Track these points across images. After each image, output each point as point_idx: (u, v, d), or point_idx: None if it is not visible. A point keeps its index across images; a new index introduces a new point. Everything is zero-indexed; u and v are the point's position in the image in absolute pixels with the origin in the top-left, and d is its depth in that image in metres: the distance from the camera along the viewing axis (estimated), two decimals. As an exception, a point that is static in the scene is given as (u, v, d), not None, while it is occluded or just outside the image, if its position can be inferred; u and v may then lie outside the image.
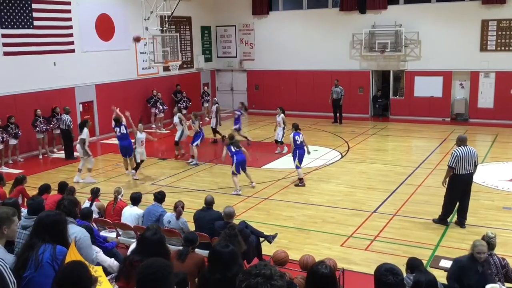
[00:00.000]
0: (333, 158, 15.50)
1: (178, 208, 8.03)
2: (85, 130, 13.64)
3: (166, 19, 18.33)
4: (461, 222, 9.68)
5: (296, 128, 12.96)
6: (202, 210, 8.32)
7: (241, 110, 17.72)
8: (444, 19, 20.79)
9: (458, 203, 9.75)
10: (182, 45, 22.08)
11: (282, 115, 15.81)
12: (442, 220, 9.79)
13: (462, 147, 9.47)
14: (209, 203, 8.30)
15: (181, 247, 6.23)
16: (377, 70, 22.72)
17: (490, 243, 6.20)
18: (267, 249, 8.04)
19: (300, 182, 12.76)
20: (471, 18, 20.30)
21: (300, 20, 23.43)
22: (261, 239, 8.11)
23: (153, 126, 21.05)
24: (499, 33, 20.07)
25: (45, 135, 16.49)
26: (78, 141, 13.84)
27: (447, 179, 9.70)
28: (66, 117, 16.31)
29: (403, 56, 21.68)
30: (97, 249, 6.45)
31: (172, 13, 18.47)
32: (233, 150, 12.36)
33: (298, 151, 12.74)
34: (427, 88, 21.43)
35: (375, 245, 9.02)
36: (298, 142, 12.76)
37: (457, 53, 20.65)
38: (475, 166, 9.51)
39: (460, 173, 9.42)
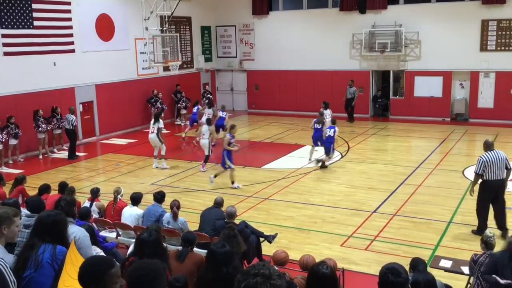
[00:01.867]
0: (333, 158, 15.48)
1: (174, 209, 8.03)
2: (161, 120, 14.64)
3: (166, 19, 18.35)
4: (500, 227, 9.13)
5: (333, 122, 14.51)
6: (209, 208, 8.44)
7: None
8: (444, 19, 20.79)
9: (492, 210, 9.25)
10: (182, 45, 22.08)
11: (328, 110, 16.76)
12: (481, 230, 8.79)
13: (489, 152, 9.04)
14: (217, 203, 8.43)
15: (180, 247, 6.24)
16: (377, 70, 22.71)
17: (488, 242, 6.18)
18: (267, 249, 8.04)
19: (323, 164, 14.24)
20: (471, 18, 20.30)
21: (300, 20, 23.42)
22: (261, 239, 8.12)
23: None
24: (499, 33, 20.07)
25: (46, 135, 16.50)
26: (154, 130, 14.47)
27: (475, 187, 9.21)
28: (71, 117, 16.32)
29: (403, 56, 21.68)
30: (99, 250, 6.46)
31: (172, 13, 18.49)
32: (315, 125, 14.85)
33: (326, 142, 14.17)
34: (427, 88, 21.43)
35: (375, 245, 9.02)
36: (326, 135, 14.19)
37: (457, 53, 20.65)
38: (508, 170, 9.00)
39: (489, 179, 8.99)
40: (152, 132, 14.56)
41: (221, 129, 16.96)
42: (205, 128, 14.14)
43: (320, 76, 23.05)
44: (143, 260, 3.48)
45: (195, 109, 18.54)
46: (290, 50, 23.51)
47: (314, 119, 15.12)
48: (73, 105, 17.73)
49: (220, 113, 17.69)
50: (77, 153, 16.56)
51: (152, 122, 14.78)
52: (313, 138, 15.03)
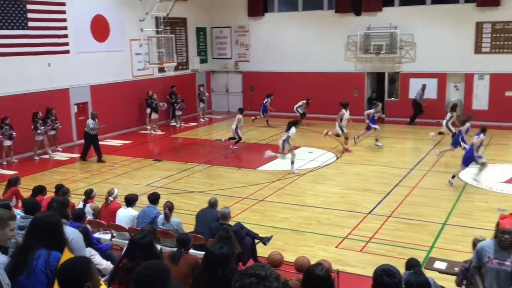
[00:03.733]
0: (328, 159, 15.52)
1: (165, 211, 8.00)
2: (293, 129, 14.12)
3: (162, 20, 18.34)
4: None
5: (483, 130, 12.86)
6: (204, 209, 8.41)
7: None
8: (439, 21, 20.87)
9: None
10: (177, 46, 22.05)
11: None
12: None
13: None
14: (211, 203, 8.42)
15: (175, 249, 6.22)
16: (372, 72, 22.77)
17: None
18: (262, 250, 8.03)
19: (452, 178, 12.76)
20: (466, 21, 20.38)
21: (296, 22, 23.45)
22: (256, 240, 8.11)
23: (148, 127, 20.99)
24: (494, 35, 20.16)
25: (44, 136, 16.40)
26: (284, 137, 14.22)
27: None
28: (90, 121, 16.13)
29: (398, 58, 21.74)
30: (94, 251, 6.42)
31: (168, 14, 18.50)
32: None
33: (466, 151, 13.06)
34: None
35: (370, 247, 9.03)
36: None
37: (451, 55, 20.72)
38: None
39: None
40: (281, 138, 14.46)
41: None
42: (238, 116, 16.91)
43: (315, 78, 23.07)
44: (150, 261, 3.48)
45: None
46: (286, 51, 23.53)
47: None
48: (67, 106, 17.66)
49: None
50: (79, 154, 16.41)
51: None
52: (454, 139, 15.08)
